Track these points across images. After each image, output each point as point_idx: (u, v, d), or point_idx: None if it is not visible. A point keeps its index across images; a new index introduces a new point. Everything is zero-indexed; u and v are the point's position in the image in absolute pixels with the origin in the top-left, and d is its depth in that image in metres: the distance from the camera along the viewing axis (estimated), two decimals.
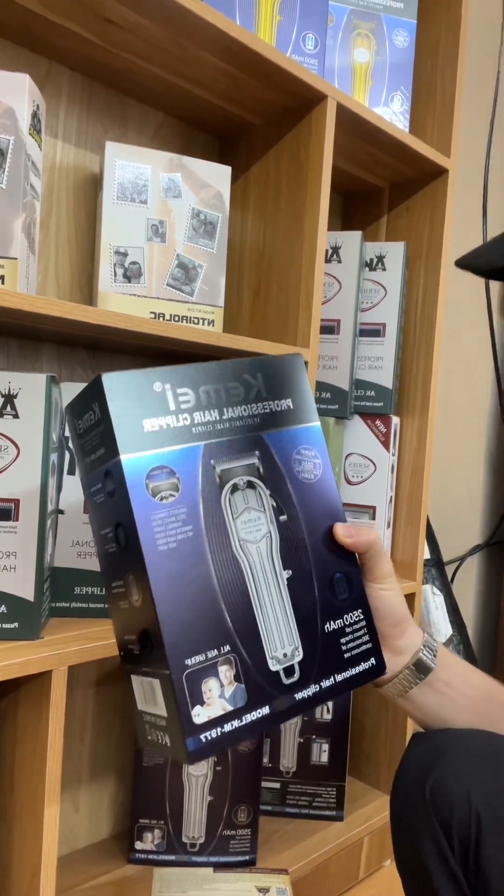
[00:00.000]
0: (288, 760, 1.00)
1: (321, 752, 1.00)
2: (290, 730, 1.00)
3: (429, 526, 1.33)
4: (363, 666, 0.54)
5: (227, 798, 0.88)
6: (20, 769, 0.65)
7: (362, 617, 0.55)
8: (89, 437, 0.49)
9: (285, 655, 0.50)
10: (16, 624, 0.63)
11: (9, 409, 0.63)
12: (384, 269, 1.00)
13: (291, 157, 0.87)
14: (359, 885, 1.01)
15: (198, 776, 0.88)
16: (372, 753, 1.11)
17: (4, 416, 0.63)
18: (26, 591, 0.63)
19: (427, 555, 1.28)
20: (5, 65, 0.75)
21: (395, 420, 1.03)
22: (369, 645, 0.54)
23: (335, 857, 0.96)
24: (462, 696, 0.57)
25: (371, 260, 1.01)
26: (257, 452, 0.52)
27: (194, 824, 0.88)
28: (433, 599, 1.24)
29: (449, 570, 1.54)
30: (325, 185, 0.83)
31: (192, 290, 0.79)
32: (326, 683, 0.52)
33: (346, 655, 0.53)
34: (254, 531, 0.51)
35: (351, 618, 0.54)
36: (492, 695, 0.58)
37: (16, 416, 0.63)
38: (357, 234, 0.95)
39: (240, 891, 0.85)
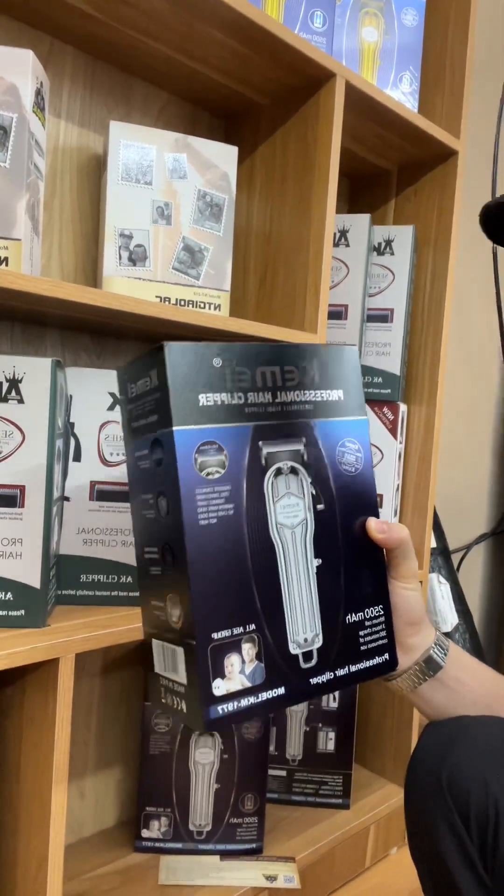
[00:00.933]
0: (294, 748, 1.00)
1: (327, 740, 1.00)
2: (297, 718, 1.00)
3: (435, 514, 1.33)
4: (377, 660, 0.55)
5: (233, 786, 0.88)
6: (26, 758, 0.65)
7: (382, 612, 0.55)
8: (141, 402, 0.49)
9: (306, 640, 0.51)
10: (22, 611, 0.62)
11: (14, 393, 0.62)
12: (392, 254, 0.99)
13: (299, 138, 0.85)
14: (365, 872, 1.01)
15: (204, 764, 0.88)
16: (378, 741, 1.10)
17: (9, 400, 0.62)
18: (32, 578, 0.63)
19: (433, 543, 1.27)
20: (7, 42, 0.74)
21: (403, 407, 1.02)
22: (385, 640, 0.55)
23: (341, 845, 0.96)
24: (472, 692, 0.57)
25: (379, 244, 0.99)
26: (304, 439, 0.52)
27: (201, 812, 0.88)
28: (439, 588, 1.23)
29: (455, 558, 1.54)
30: (333, 166, 0.82)
31: (199, 274, 0.78)
32: (341, 672, 0.53)
33: (363, 648, 0.54)
34: (291, 517, 0.51)
35: (371, 612, 0.55)
36: (502, 693, 0.58)
37: (21, 401, 0.62)
38: (365, 217, 0.93)
39: (247, 878, 0.85)
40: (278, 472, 0.51)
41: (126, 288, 0.74)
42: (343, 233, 0.94)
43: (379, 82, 0.95)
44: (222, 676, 0.47)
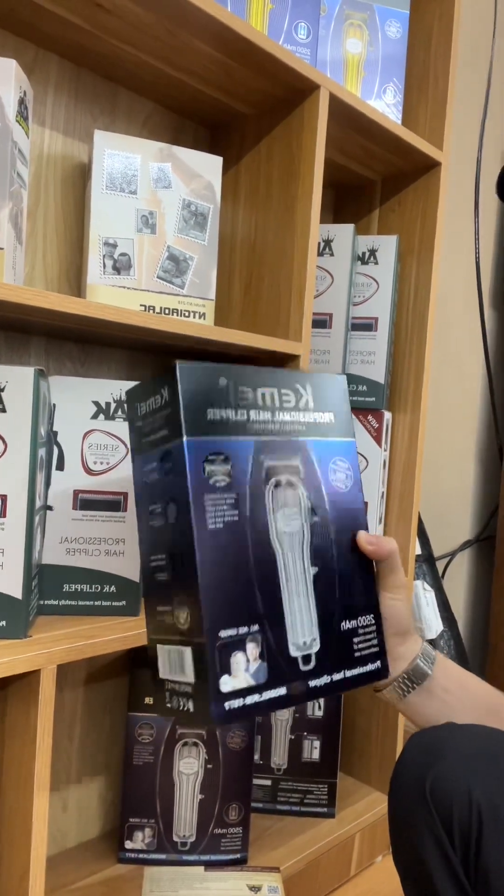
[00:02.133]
0: (279, 757, 1.00)
1: (312, 749, 1.00)
2: (282, 726, 1.00)
3: (420, 521, 1.33)
4: (370, 667, 0.57)
5: (218, 796, 0.87)
6: (8, 769, 0.64)
7: (374, 622, 0.59)
8: (151, 419, 0.54)
9: (305, 644, 0.54)
10: (3, 622, 0.62)
11: None
12: (376, 263, 1.00)
13: (283, 149, 0.86)
14: (350, 881, 1.01)
15: (189, 774, 0.87)
16: (363, 749, 1.10)
17: None
18: (13, 588, 0.62)
19: (418, 550, 1.28)
20: None
21: (388, 415, 1.02)
22: (377, 648, 0.58)
23: (327, 854, 0.96)
24: (461, 702, 0.58)
25: (363, 253, 1.00)
26: (300, 455, 0.57)
27: (185, 823, 0.87)
28: (424, 595, 1.24)
29: (439, 565, 1.54)
30: (317, 176, 0.82)
31: (183, 283, 0.78)
32: (337, 677, 0.56)
33: (357, 654, 0.57)
34: (290, 526, 0.55)
35: (364, 620, 0.58)
36: (493, 707, 0.59)
37: (3, 409, 0.61)
38: (349, 227, 0.94)
39: (231, 889, 0.84)
40: (278, 483, 0.55)
41: (110, 296, 0.74)
42: (328, 242, 0.95)
43: (363, 94, 0.96)
44: (229, 673, 0.50)
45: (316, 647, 0.55)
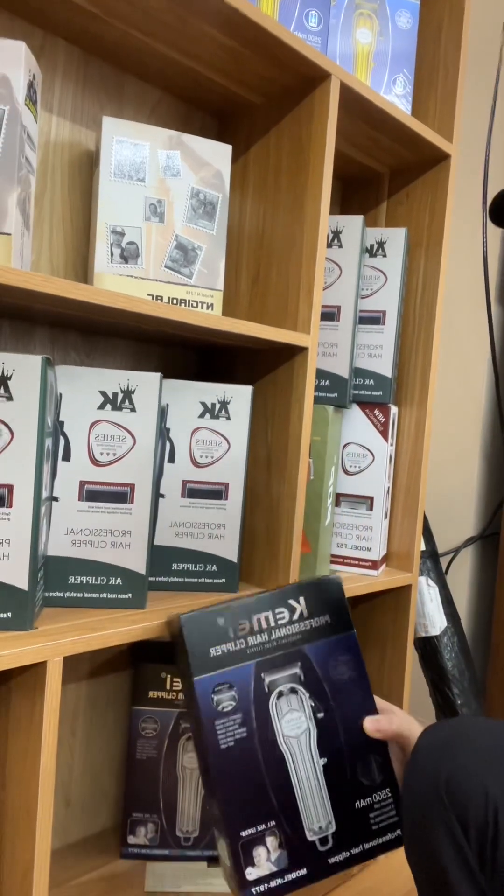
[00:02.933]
0: None
1: None
2: None
3: (424, 517, 1.32)
4: (389, 836, 0.64)
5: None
6: (12, 764, 0.63)
7: (390, 795, 0.65)
8: (177, 649, 0.65)
9: (320, 828, 0.62)
10: (9, 613, 0.61)
11: (2, 391, 0.60)
12: (384, 256, 0.99)
13: (293, 138, 0.85)
14: (354, 878, 1.00)
15: (192, 769, 0.87)
16: None
17: None
18: (20, 579, 0.61)
19: (422, 546, 1.27)
20: None
21: (394, 409, 1.01)
22: (395, 818, 0.65)
23: None
24: None
25: (371, 246, 0.99)
26: (299, 663, 0.65)
27: (188, 818, 0.87)
28: (428, 591, 1.23)
29: (443, 561, 1.54)
30: (327, 166, 0.81)
31: (191, 273, 0.77)
32: (355, 851, 0.63)
33: (374, 828, 0.64)
34: (295, 728, 0.63)
35: (380, 795, 0.65)
36: None
37: (9, 398, 0.60)
38: (359, 219, 0.93)
39: None
40: (280, 694, 0.63)
41: (117, 285, 0.73)
42: (336, 234, 0.94)
43: (373, 84, 0.95)
44: (252, 865, 0.59)
45: (332, 829, 0.62)
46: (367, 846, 0.63)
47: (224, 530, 0.81)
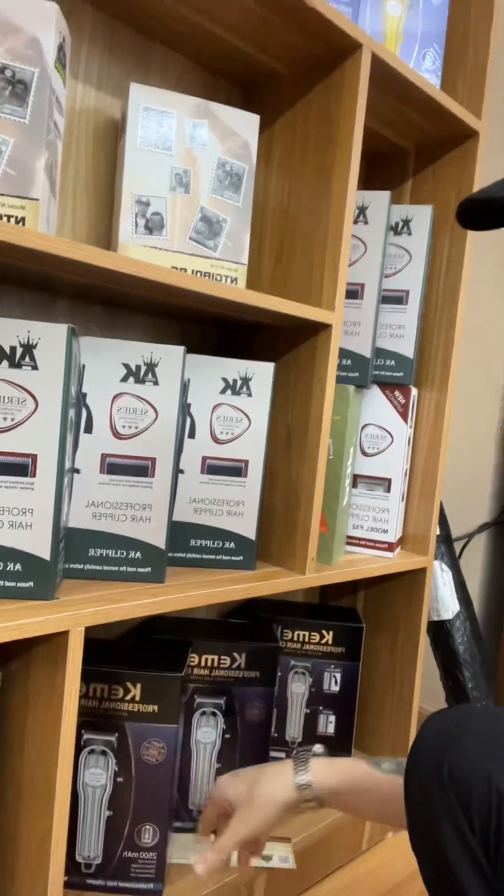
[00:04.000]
0: (294, 730, 0.99)
1: (328, 724, 1.00)
2: (297, 701, 0.99)
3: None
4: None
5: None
6: (31, 733, 0.63)
7: None
8: None
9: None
10: (31, 583, 0.61)
11: (27, 359, 0.60)
12: (409, 234, 0.97)
13: (321, 110, 0.83)
14: (361, 856, 1.01)
15: (206, 743, 0.87)
16: (376, 726, 1.10)
17: (23, 367, 0.60)
18: (42, 549, 0.61)
19: (437, 531, 1.26)
20: None
21: (414, 391, 1.00)
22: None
23: (339, 829, 0.96)
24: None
25: (396, 223, 0.97)
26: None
27: (200, 792, 0.87)
28: (442, 576, 1.23)
29: (457, 546, 1.53)
30: (357, 140, 0.80)
31: (216, 246, 0.76)
32: None
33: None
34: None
35: None
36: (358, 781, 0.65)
37: (35, 367, 0.60)
38: (385, 194, 0.91)
39: None
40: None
41: (141, 256, 0.72)
42: (362, 209, 0.92)
43: (402, 59, 0.93)
44: None
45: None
46: None
47: (243, 507, 0.80)
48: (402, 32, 0.94)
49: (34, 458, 0.60)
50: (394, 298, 0.98)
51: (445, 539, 1.24)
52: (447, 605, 1.22)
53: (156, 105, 0.71)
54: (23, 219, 0.59)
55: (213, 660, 0.85)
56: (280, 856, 0.86)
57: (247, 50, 0.82)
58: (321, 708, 0.99)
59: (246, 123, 0.76)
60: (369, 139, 1.05)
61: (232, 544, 0.80)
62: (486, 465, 1.61)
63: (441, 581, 1.23)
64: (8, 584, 0.61)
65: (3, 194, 0.58)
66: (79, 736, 0.74)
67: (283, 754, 0.99)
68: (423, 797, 0.52)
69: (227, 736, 0.86)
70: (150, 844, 0.77)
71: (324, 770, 0.65)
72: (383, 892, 0.95)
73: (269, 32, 0.78)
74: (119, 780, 0.74)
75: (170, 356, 0.69)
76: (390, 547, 0.99)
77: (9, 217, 0.59)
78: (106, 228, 0.81)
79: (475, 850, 0.49)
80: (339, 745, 0.99)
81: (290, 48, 0.81)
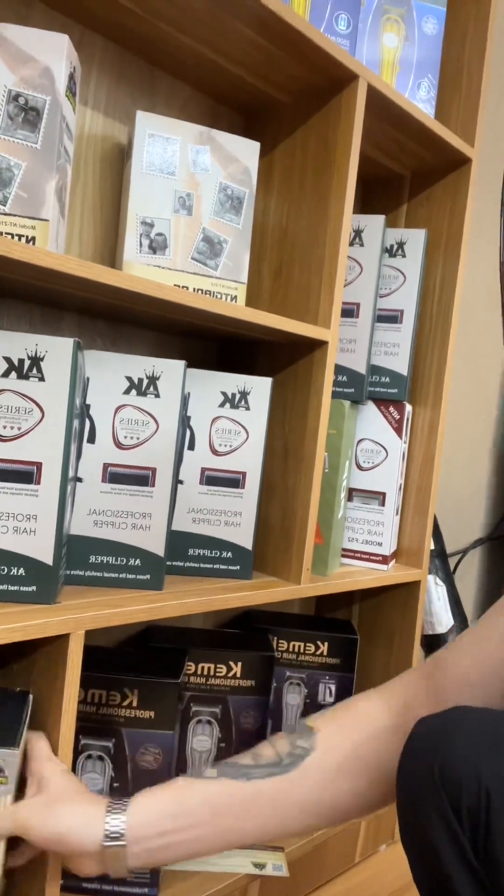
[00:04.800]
0: None
1: None
2: (292, 712, 1.01)
3: (433, 517, 1.34)
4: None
5: None
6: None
7: None
8: None
9: None
10: (34, 587, 0.63)
11: (35, 371, 0.62)
12: (404, 256, 1.00)
13: (319, 138, 0.87)
14: (354, 867, 1.02)
15: (201, 751, 0.88)
16: None
17: (30, 378, 0.62)
18: (45, 554, 0.63)
19: (431, 545, 1.29)
20: (39, 28, 0.75)
21: (409, 407, 1.03)
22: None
23: (332, 840, 0.97)
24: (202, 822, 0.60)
25: (391, 246, 1.01)
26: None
27: None
28: (436, 590, 1.24)
29: (451, 562, 1.55)
30: (352, 166, 0.83)
31: (217, 265, 0.79)
32: None
33: None
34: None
35: None
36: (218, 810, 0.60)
37: (41, 378, 0.63)
38: (380, 218, 0.95)
39: (235, 866, 0.85)
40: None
41: (145, 275, 0.75)
42: (358, 232, 0.96)
43: (397, 88, 0.97)
44: None
45: None
46: None
47: (240, 518, 0.82)
48: (398, 62, 0.98)
49: (39, 466, 0.63)
50: (389, 317, 1.01)
51: (440, 554, 1.26)
52: (441, 618, 1.24)
53: (161, 132, 0.75)
54: (33, 238, 0.62)
55: (209, 668, 0.87)
56: (273, 864, 0.87)
57: (249, 79, 0.86)
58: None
59: (247, 150, 0.79)
60: (367, 165, 1.08)
61: (229, 554, 0.82)
62: (480, 482, 1.63)
63: (435, 595, 1.24)
64: (11, 587, 0.63)
65: (15, 215, 0.61)
66: (76, 741, 0.75)
67: None
68: (414, 795, 0.53)
69: (223, 745, 0.87)
70: None
71: (147, 810, 0.60)
72: None
73: (271, 63, 0.82)
74: (115, 785, 0.75)
75: (171, 370, 0.72)
76: (384, 560, 1.01)
77: (20, 236, 0.62)
78: (111, 248, 0.84)
79: (465, 848, 0.50)
80: None
81: (291, 78, 0.85)
